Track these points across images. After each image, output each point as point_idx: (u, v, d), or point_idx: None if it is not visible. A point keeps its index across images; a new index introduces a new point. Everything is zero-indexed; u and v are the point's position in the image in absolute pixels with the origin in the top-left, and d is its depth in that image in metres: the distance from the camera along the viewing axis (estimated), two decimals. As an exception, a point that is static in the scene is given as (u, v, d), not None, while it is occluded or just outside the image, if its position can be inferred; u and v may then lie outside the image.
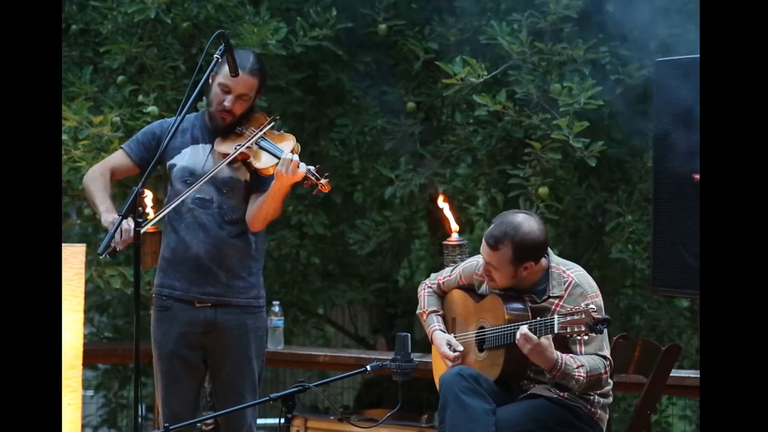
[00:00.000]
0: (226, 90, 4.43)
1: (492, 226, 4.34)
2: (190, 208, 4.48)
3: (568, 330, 4.01)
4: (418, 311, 4.70)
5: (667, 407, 7.56)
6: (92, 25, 6.58)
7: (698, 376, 5.26)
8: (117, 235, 4.15)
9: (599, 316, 3.97)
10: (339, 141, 6.76)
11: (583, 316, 3.98)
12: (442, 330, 4.58)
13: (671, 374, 4.82)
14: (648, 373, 4.70)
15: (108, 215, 4.35)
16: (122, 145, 4.66)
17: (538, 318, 4.18)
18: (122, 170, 4.62)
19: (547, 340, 4.09)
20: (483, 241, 4.34)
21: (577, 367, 4.15)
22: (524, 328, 4.11)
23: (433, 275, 4.74)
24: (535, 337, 4.08)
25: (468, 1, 6.58)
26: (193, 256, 4.47)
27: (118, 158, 4.60)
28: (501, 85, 6.16)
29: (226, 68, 4.32)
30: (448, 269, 4.70)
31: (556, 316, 4.07)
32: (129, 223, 4.16)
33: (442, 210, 5.06)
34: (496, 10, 6.46)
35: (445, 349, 4.50)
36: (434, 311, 4.64)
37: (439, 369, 4.59)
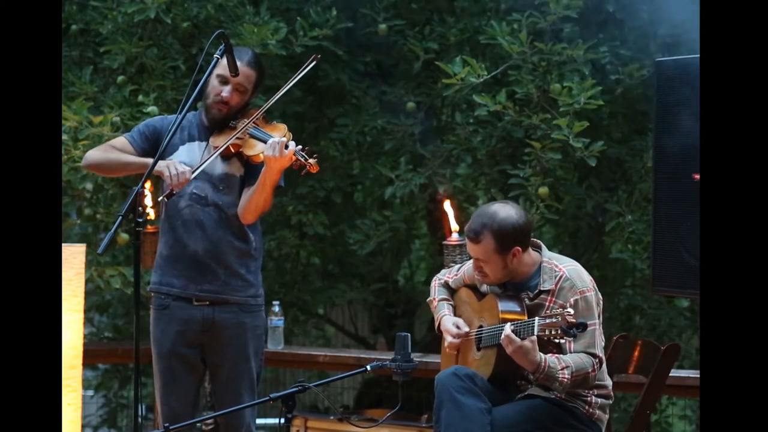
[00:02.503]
0: (223, 81, 4.45)
1: (469, 221, 4.36)
2: (187, 204, 4.49)
3: (546, 333, 4.02)
4: (428, 299, 4.70)
5: (667, 407, 7.56)
6: (92, 25, 6.58)
7: (698, 376, 5.26)
8: (174, 180, 4.23)
9: (574, 321, 3.97)
10: (339, 141, 6.76)
11: (560, 319, 3.99)
12: (450, 315, 4.57)
13: (671, 374, 4.82)
14: (648, 373, 4.70)
15: (160, 162, 4.34)
16: (124, 135, 4.65)
17: (522, 319, 4.18)
18: None
19: (530, 343, 4.08)
20: (466, 238, 4.34)
21: (562, 369, 4.14)
22: (508, 329, 4.12)
23: (443, 271, 4.75)
24: (517, 338, 4.09)
25: (468, 1, 6.58)
26: (191, 253, 4.48)
27: (121, 144, 4.57)
28: (501, 85, 6.17)
29: (224, 61, 4.36)
30: (456, 267, 4.70)
31: (536, 318, 4.07)
32: (180, 166, 4.29)
33: (443, 209, 5.06)
34: (496, 10, 6.46)
35: (450, 326, 4.49)
36: (444, 299, 4.63)
37: (447, 363, 4.58)
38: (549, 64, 6.07)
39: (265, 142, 4.38)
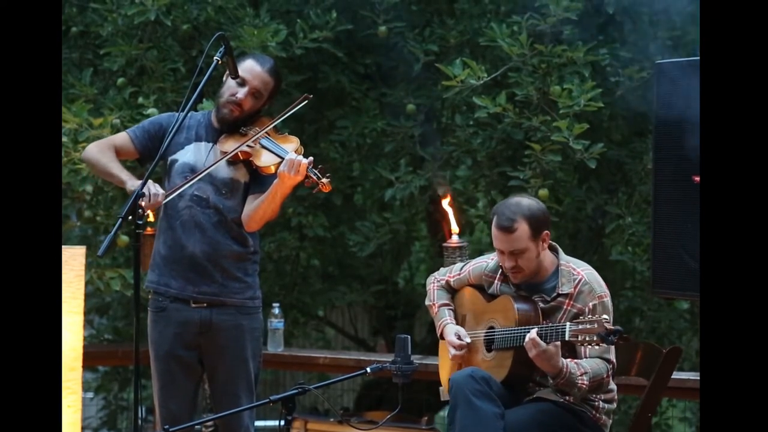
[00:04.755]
0: (241, 83, 4.44)
1: (497, 216, 4.34)
2: (187, 206, 4.48)
3: (579, 338, 4.01)
4: (427, 303, 4.69)
5: (667, 409, 7.56)
6: (92, 27, 6.59)
7: (698, 378, 5.26)
8: (145, 201, 4.18)
9: (612, 327, 3.96)
10: (339, 143, 6.76)
11: (596, 326, 3.97)
12: (452, 323, 4.57)
13: (671, 376, 4.81)
14: (649, 376, 4.70)
15: (134, 182, 4.33)
16: (127, 130, 4.63)
17: (550, 323, 4.18)
18: (122, 153, 4.59)
19: (554, 348, 4.09)
20: (497, 233, 4.31)
21: (581, 375, 4.15)
22: (533, 332, 4.11)
23: (442, 270, 4.73)
24: (543, 343, 4.09)
25: (468, 3, 6.58)
26: (188, 255, 4.47)
27: (121, 140, 4.57)
28: (501, 87, 6.17)
29: (243, 64, 4.41)
30: (457, 266, 4.69)
31: (567, 323, 4.06)
32: (156, 188, 4.24)
33: (445, 211, 5.06)
34: (496, 12, 6.47)
35: (452, 338, 4.49)
36: (445, 304, 4.63)
37: (446, 367, 4.58)
38: (549, 66, 6.07)
39: (276, 154, 4.38)
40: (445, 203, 5.08)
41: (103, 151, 4.53)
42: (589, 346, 4.06)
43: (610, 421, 4.38)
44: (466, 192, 6.54)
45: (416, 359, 4.21)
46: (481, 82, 6.00)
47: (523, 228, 4.28)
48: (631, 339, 4.93)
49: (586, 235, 7.11)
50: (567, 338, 4.03)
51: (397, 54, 6.67)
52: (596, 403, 4.31)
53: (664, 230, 4.41)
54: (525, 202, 4.35)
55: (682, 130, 4.27)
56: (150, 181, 4.27)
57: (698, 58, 3.83)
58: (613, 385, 4.39)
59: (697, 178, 4.13)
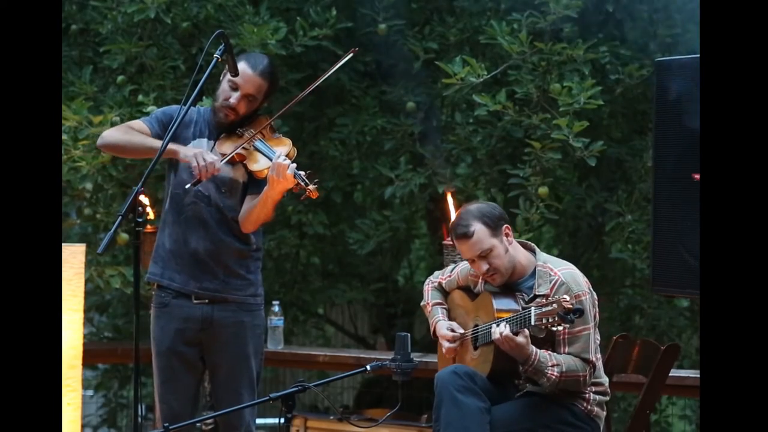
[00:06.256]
0: (233, 87, 4.43)
1: (453, 231, 4.41)
2: (192, 201, 4.48)
3: (544, 321, 4.03)
4: (421, 303, 4.72)
5: (666, 407, 7.57)
6: (92, 24, 6.59)
7: (698, 375, 5.26)
8: (203, 171, 4.24)
9: (570, 306, 3.99)
10: (339, 141, 6.76)
11: (555, 306, 4.01)
12: (444, 320, 4.59)
13: (671, 374, 4.82)
14: (647, 373, 4.70)
15: (186, 150, 4.34)
16: (141, 119, 4.60)
17: (518, 311, 4.20)
18: None
19: (523, 338, 4.12)
20: (458, 244, 4.38)
21: (552, 365, 4.17)
22: (502, 325, 4.14)
23: (436, 273, 4.76)
24: (509, 333, 4.11)
25: (468, 0, 6.58)
26: (191, 250, 4.47)
27: (139, 127, 4.51)
28: (501, 85, 6.17)
29: (238, 66, 4.37)
30: (449, 269, 4.72)
31: (533, 307, 4.08)
32: (211, 156, 4.28)
33: (446, 209, 5.06)
34: (496, 10, 6.47)
35: (445, 331, 4.51)
36: (438, 303, 4.64)
37: (445, 365, 4.59)
38: (549, 63, 6.07)
39: (268, 157, 4.37)
40: (450, 200, 5.08)
41: (129, 132, 4.47)
42: (556, 328, 4.07)
43: (604, 412, 4.38)
44: (465, 190, 6.54)
45: (416, 357, 4.22)
46: (481, 79, 6.00)
47: (479, 228, 4.31)
48: (630, 336, 4.95)
49: (586, 233, 7.12)
50: (533, 323, 4.06)
51: (397, 52, 6.67)
52: (587, 395, 4.32)
53: (664, 228, 4.41)
54: (473, 206, 4.42)
55: (681, 128, 4.27)
56: (203, 150, 4.33)
57: (698, 55, 3.83)
58: (604, 378, 4.40)
59: (697, 176, 4.13)
